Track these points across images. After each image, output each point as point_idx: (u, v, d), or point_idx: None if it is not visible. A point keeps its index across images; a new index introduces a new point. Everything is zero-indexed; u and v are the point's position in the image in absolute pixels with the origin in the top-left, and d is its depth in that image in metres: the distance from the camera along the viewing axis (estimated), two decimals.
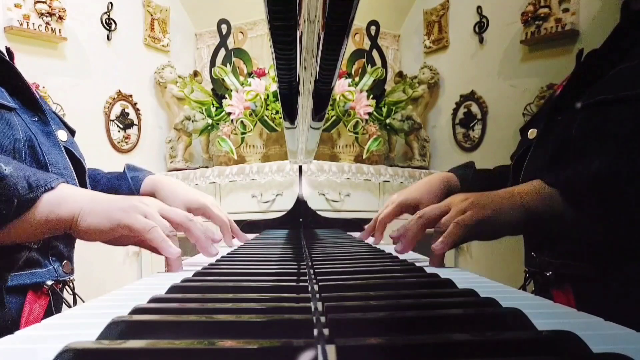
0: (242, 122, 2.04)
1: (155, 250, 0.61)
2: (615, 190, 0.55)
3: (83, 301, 0.65)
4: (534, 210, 0.59)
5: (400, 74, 2.45)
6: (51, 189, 0.60)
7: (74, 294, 0.73)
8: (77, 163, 0.75)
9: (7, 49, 0.75)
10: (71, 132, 0.80)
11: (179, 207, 0.78)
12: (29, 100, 0.71)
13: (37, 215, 0.58)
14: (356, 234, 1.12)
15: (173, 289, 0.40)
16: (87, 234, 0.60)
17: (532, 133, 0.75)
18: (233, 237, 0.93)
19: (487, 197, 0.60)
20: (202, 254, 0.68)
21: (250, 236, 1.14)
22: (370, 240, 0.97)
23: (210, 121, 2.20)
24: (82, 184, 0.76)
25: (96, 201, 0.61)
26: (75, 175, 0.73)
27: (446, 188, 0.88)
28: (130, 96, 2.32)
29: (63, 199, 0.60)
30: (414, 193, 0.87)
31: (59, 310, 0.69)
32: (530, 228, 0.62)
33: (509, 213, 0.58)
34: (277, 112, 2.02)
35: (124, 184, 0.89)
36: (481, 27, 2.24)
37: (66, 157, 0.72)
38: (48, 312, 0.66)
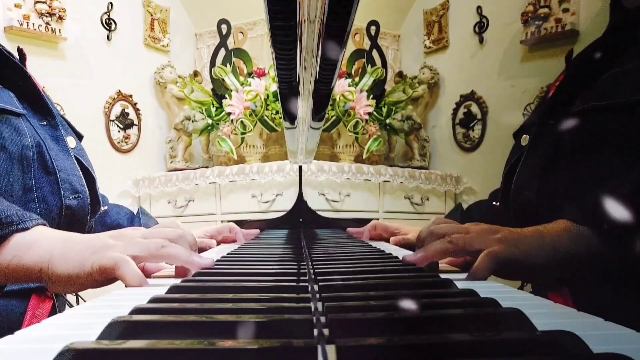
0: (242, 122, 2.04)
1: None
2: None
3: (84, 301, 0.65)
4: (564, 253, 0.53)
5: (400, 74, 2.45)
6: (24, 229, 0.51)
7: (77, 296, 0.73)
8: (85, 171, 0.74)
9: (19, 50, 0.75)
10: (79, 136, 0.79)
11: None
12: (38, 103, 0.70)
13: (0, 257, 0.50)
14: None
15: (173, 289, 0.40)
16: (59, 285, 0.50)
17: (524, 139, 0.74)
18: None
19: (516, 235, 0.55)
20: (194, 270, 0.54)
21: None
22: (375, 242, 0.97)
23: (210, 121, 2.20)
24: (92, 192, 0.74)
25: (69, 245, 0.51)
26: (84, 182, 0.72)
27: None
28: (130, 96, 2.32)
29: (34, 243, 0.51)
30: (409, 232, 0.95)
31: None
32: (562, 272, 0.56)
33: (537, 256, 0.52)
34: (277, 112, 2.02)
35: (135, 224, 0.88)
36: (481, 27, 2.24)
37: (75, 163, 0.71)
38: (51, 315, 0.66)
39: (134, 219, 0.90)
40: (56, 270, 0.49)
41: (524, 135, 0.75)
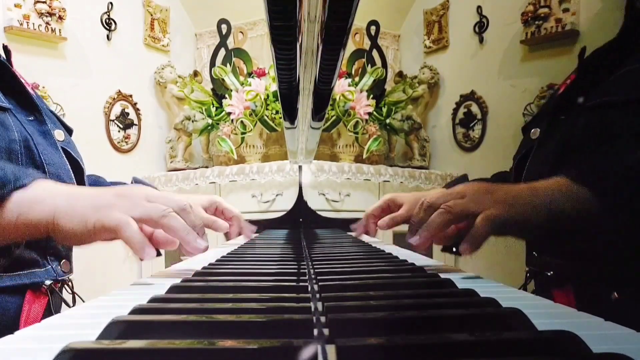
0: (242, 122, 2.04)
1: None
2: None
3: (83, 301, 0.65)
4: (559, 211, 0.53)
5: (400, 74, 2.45)
6: (22, 186, 0.51)
7: (73, 293, 0.73)
8: (74, 163, 0.74)
9: (4, 47, 0.75)
10: (68, 130, 0.80)
11: None
12: (24, 99, 0.71)
13: (5, 217, 0.50)
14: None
15: (173, 289, 0.40)
16: (67, 240, 0.51)
17: (534, 133, 0.74)
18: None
19: (511, 194, 0.54)
20: (188, 249, 0.54)
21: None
22: (367, 238, 0.97)
23: (210, 121, 2.20)
24: (80, 184, 0.75)
25: (72, 201, 0.51)
26: (73, 175, 0.72)
27: None
28: (130, 96, 2.32)
29: (35, 199, 0.51)
30: (404, 201, 0.87)
31: (58, 310, 0.69)
32: (554, 229, 0.56)
33: (534, 214, 0.53)
34: (277, 112, 2.02)
35: None
36: (481, 27, 2.24)
37: (63, 156, 0.71)
38: (47, 312, 0.66)
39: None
40: (61, 225, 0.50)
41: (534, 129, 0.74)
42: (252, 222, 1.02)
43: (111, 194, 0.52)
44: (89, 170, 0.81)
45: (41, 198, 0.51)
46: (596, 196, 0.52)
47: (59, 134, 0.73)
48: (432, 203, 0.56)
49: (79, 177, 0.75)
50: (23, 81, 0.72)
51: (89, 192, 0.53)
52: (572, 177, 0.54)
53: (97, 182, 0.90)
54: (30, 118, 0.70)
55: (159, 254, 0.53)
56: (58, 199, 0.51)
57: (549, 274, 0.65)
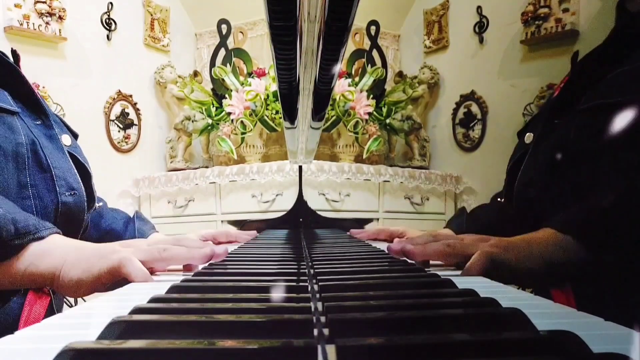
0: (242, 122, 2.04)
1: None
2: (630, 224, 0.52)
3: (84, 301, 0.65)
4: (553, 261, 0.55)
5: (400, 74, 2.45)
6: (40, 238, 0.54)
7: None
8: (81, 168, 0.74)
9: (13, 52, 0.75)
10: (74, 135, 0.80)
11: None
12: (32, 103, 0.71)
13: (16, 265, 0.53)
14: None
15: (173, 289, 0.40)
16: (68, 290, 0.53)
17: (528, 137, 0.75)
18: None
19: (506, 242, 0.57)
20: (197, 262, 0.58)
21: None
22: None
23: (210, 121, 2.20)
24: (88, 189, 0.75)
25: (80, 253, 0.54)
26: (79, 179, 0.72)
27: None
28: (130, 96, 2.32)
29: (49, 251, 0.54)
30: (414, 235, 0.96)
31: (59, 310, 0.69)
32: (551, 278, 0.59)
33: (527, 262, 0.55)
34: (277, 112, 2.02)
35: (130, 229, 0.90)
36: (481, 27, 2.24)
37: (70, 160, 0.71)
38: (49, 312, 0.66)
39: (129, 223, 0.91)
40: (67, 276, 0.52)
41: (528, 133, 0.75)
42: (252, 222, 1.03)
43: (116, 244, 0.57)
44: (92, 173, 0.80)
45: (53, 251, 0.54)
46: (582, 245, 0.55)
47: (65, 139, 0.73)
48: (436, 236, 0.61)
49: (86, 181, 0.75)
50: (31, 85, 0.72)
51: (96, 245, 0.58)
52: (557, 228, 0.57)
53: (110, 215, 0.92)
54: (37, 122, 0.70)
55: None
56: (68, 250, 0.55)
57: None
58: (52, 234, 0.56)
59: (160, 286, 0.45)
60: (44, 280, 0.54)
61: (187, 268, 0.58)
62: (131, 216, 0.94)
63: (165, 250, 0.55)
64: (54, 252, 0.54)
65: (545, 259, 0.55)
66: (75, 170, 0.72)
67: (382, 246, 0.87)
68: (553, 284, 0.65)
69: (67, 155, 0.72)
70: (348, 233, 1.03)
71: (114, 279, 0.52)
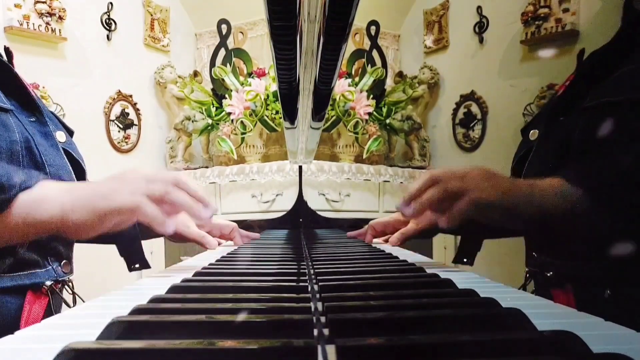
0: (242, 122, 2.04)
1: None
2: None
3: (83, 301, 0.65)
4: (550, 211, 0.55)
5: (400, 74, 2.45)
6: (27, 188, 0.54)
7: (74, 294, 0.73)
8: (76, 164, 0.74)
9: (6, 49, 0.75)
10: (69, 132, 0.80)
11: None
12: (26, 100, 0.71)
13: (13, 218, 0.52)
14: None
15: (173, 289, 0.40)
16: (78, 233, 0.54)
17: (533, 134, 0.75)
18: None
19: (509, 184, 0.56)
20: (196, 219, 0.59)
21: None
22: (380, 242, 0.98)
23: (210, 121, 2.20)
24: None
25: (76, 195, 0.54)
26: (74, 176, 0.72)
27: None
28: (130, 96, 2.32)
29: (42, 199, 0.54)
30: (386, 217, 0.98)
31: (58, 310, 0.69)
32: (541, 228, 0.58)
33: (524, 206, 0.55)
34: (277, 112, 2.02)
35: None
36: (481, 27, 2.24)
37: (64, 157, 0.72)
38: (48, 312, 0.66)
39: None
40: (71, 219, 0.52)
41: (533, 130, 0.75)
42: (252, 222, 1.04)
43: (111, 181, 0.56)
44: (89, 170, 0.81)
45: (47, 197, 0.54)
46: (590, 197, 0.54)
47: (60, 135, 0.73)
48: (433, 177, 0.58)
49: (81, 178, 0.75)
50: (25, 82, 0.72)
51: (88, 184, 0.57)
52: (568, 178, 0.56)
53: None
54: (31, 119, 0.70)
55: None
56: (63, 195, 0.54)
57: (548, 274, 0.65)
58: (40, 180, 0.55)
59: (160, 286, 0.45)
60: (48, 228, 0.54)
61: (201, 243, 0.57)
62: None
63: (168, 193, 0.54)
64: (47, 198, 0.53)
65: (545, 205, 0.55)
66: (70, 167, 0.72)
67: (382, 246, 0.87)
68: (540, 234, 0.65)
69: (62, 152, 0.72)
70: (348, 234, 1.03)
71: (122, 220, 0.53)
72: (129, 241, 0.75)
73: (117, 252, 0.78)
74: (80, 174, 0.75)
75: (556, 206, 0.55)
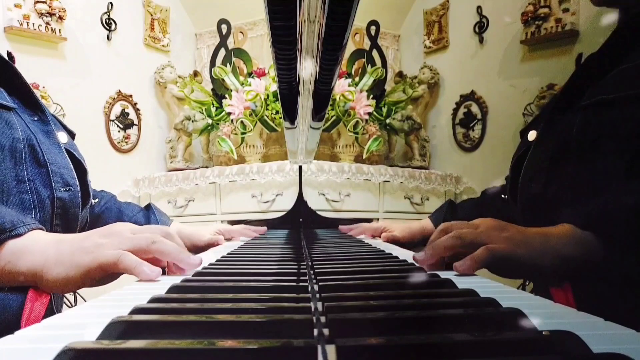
0: (242, 122, 2.04)
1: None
2: None
3: (84, 300, 0.65)
4: (568, 257, 0.54)
5: (400, 74, 2.45)
6: (17, 235, 0.52)
7: (75, 293, 0.73)
8: (78, 164, 0.75)
9: (9, 54, 0.76)
10: (71, 135, 0.81)
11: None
12: (28, 100, 0.72)
13: None
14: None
15: (173, 289, 0.40)
16: (57, 288, 0.52)
17: (531, 135, 0.75)
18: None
19: (522, 235, 0.56)
20: (183, 267, 0.55)
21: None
22: (369, 239, 0.97)
23: (210, 121, 2.20)
24: (83, 185, 0.75)
25: (61, 249, 0.53)
26: (75, 175, 0.73)
27: (423, 233, 1.09)
28: (130, 96, 2.32)
29: (27, 249, 0.52)
30: (396, 229, 1.08)
31: (59, 309, 0.69)
32: (561, 273, 0.57)
33: (540, 257, 0.54)
34: (277, 112, 2.02)
35: (152, 221, 0.95)
36: (481, 27, 2.24)
37: (66, 156, 0.72)
38: (49, 310, 0.66)
39: (150, 216, 0.96)
40: (51, 273, 0.51)
41: (531, 131, 0.75)
42: (252, 222, 1.05)
43: (97, 235, 0.54)
44: (89, 170, 0.81)
45: (32, 249, 0.52)
46: (602, 242, 0.54)
47: (61, 136, 0.74)
48: (447, 227, 0.59)
49: (83, 178, 0.75)
50: (27, 82, 0.73)
51: (74, 238, 0.55)
52: (577, 224, 0.56)
53: (118, 207, 0.97)
54: (34, 118, 0.71)
55: (163, 272, 0.54)
56: (47, 247, 0.53)
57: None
58: (31, 230, 0.54)
59: (160, 286, 0.45)
60: (26, 279, 0.52)
61: (170, 269, 0.54)
62: (143, 207, 0.98)
63: (154, 243, 0.53)
64: (34, 249, 0.52)
65: (562, 254, 0.54)
66: (72, 167, 0.73)
67: (382, 246, 0.87)
68: (561, 280, 0.63)
69: (64, 151, 0.72)
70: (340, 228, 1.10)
71: (105, 275, 0.51)
72: None
73: None
74: (82, 174, 0.76)
75: (573, 254, 0.54)
